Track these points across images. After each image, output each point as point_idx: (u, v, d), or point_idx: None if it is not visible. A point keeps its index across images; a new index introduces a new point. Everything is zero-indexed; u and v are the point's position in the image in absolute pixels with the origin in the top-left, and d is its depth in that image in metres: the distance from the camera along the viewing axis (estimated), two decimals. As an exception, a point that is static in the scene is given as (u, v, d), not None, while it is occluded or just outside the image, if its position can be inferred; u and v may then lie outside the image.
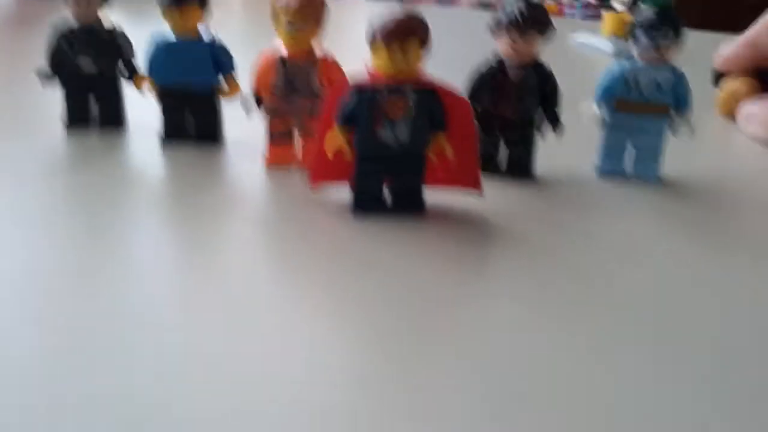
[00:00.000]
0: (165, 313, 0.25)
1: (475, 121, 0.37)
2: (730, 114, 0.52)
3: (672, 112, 0.37)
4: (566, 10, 1.36)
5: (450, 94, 0.31)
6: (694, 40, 0.88)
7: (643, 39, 0.35)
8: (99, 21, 0.40)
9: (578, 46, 0.75)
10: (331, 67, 0.36)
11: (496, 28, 0.35)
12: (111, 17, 0.41)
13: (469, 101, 0.34)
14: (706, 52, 0.61)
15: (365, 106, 0.31)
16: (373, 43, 0.30)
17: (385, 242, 0.30)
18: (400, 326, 0.24)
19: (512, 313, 0.25)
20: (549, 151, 0.39)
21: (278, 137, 0.37)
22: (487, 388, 0.21)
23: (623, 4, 1.42)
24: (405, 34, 0.30)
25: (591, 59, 0.69)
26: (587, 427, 0.20)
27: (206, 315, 0.24)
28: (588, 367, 0.22)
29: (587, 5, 1.40)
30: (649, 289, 0.28)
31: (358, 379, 0.21)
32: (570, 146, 0.40)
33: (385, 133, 0.31)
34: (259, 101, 0.37)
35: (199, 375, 0.21)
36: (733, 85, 0.53)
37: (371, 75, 0.31)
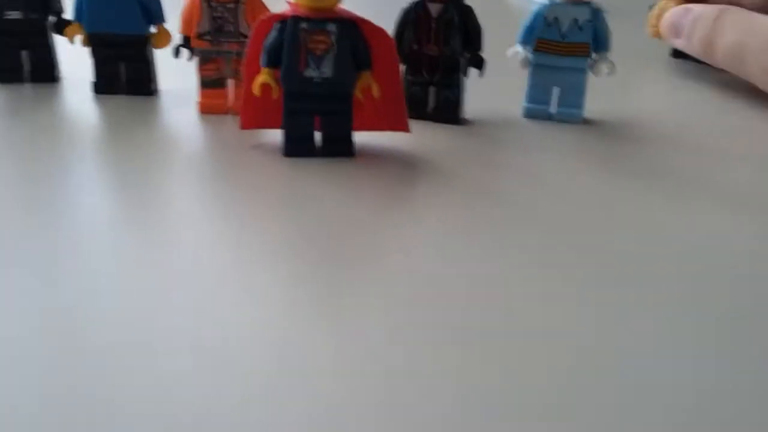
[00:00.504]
0: (103, 256, 0.25)
1: (403, 64, 0.38)
2: (659, 34, 0.51)
3: (591, 50, 0.38)
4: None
5: (372, 27, 0.32)
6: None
7: (561, -23, 0.36)
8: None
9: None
10: (257, 6, 0.36)
11: (416, -38, 0.36)
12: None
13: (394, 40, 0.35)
14: None
15: (288, 41, 0.31)
16: (292, -23, 0.31)
17: (315, 181, 0.31)
18: (327, 260, 0.25)
19: (440, 242, 0.27)
20: (478, 95, 0.40)
21: (210, 83, 0.38)
22: (414, 317, 0.22)
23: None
24: (325, -32, 0.30)
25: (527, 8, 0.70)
26: (512, 348, 0.21)
27: (143, 257, 0.25)
28: (511, 288, 0.24)
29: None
30: (565, 215, 0.29)
31: (289, 309, 0.22)
32: (499, 89, 0.41)
33: (309, 70, 0.32)
34: (188, 45, 0.37)
35: (136, 312, 0.22)
36: (663, 4, 0.51)
37: (293, 9, 0.31)
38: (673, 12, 0.48)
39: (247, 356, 0.19)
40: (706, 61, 0.46)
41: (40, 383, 0.18)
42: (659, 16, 0.50)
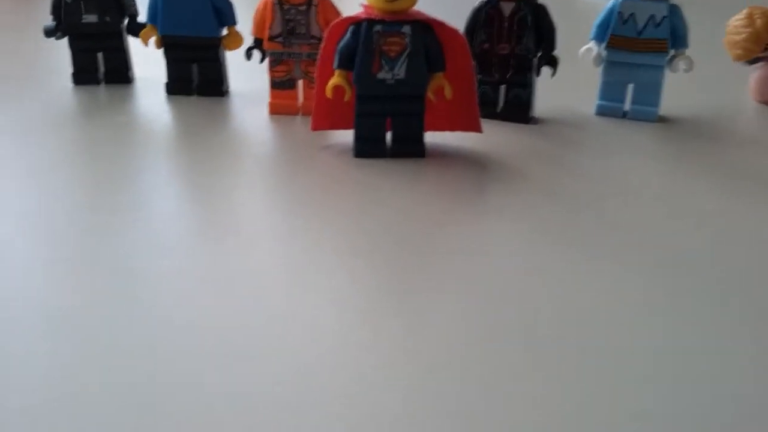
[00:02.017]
0: (177, 257, 0.26)
1: (474, 61, 0.38)
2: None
3: (669, 47, 0.37)
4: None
5: (446, 29, 0.32)
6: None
7: (638, -28, 0.35)
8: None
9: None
10: (329, 8, 0.36)
11: (489, -37, 0.35)
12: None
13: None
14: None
15: (362, 44, 0.31)
16: (368, -20, 0.31)
17: (386, 182, 0.31)
18: (400, 260, 0.25)
19: (512, 244, 0.26)
20: (550, 93, 0.39)
21: (280, 84, 0.38)
22: (487, 315, 0.22)
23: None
24: (399, -29, 0.30)
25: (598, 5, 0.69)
26: (583, 345, 0.21)
27: (217, 258, 0.25)
28: (582, 290, 0.23)
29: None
30: (638, 217, 0.28)
31: (364, 309, 0.22)
32: (571, 87, 0.40)
33: (383, 72, 0.32)
34: (260, 47, 0.38)
35: (210, 299, 0.22)
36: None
37: (367, 12, 0.31)
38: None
39: (328, 356, 0.19)
40: None
41: (127, 382, 0.18)
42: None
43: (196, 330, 0.21)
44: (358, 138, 0.33)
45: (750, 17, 0.40)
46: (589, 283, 0.24)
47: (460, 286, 0.23)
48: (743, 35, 0.40)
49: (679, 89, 0.40)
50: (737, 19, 0.41)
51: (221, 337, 0.20)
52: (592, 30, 0.38)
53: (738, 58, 0.41)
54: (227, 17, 0.40)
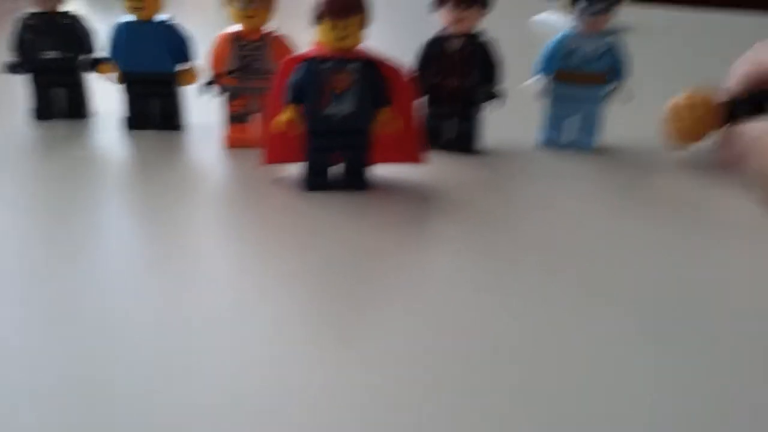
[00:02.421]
0: (132, 285, 0.26)
1: (424, 95, 0.39)
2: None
3: (609, 80, 0.39)
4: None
5: (391, 67, 0.33)
6: (683, 15, 0.91)
7: (579, 9, 0.37)
8: (62, 11, 0.42)
9: (538, 24, 0.78)
10: (283, 45, 0.38)
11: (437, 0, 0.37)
12: (73, 6, 0.43)
13: (415, 73, 0.37)
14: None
15: (311, 80, 0.32)
16: (316, 20, 0.32)
17: (334, 214, 0.32)
18: (345, 290, 0.26)
19: (452, 274, 0.27)
20: (497, 124, 0.41)
21: (237, 118, 0.39)
22: (430, 344, 0.23)
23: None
24: (347, 12, 0.31)
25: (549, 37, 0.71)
26: (525, 376, 0.22)
27: (170, 284, 0.26)
28: (522, 317, 0.24)
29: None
30: (576, 245, 0.30)
31: (309, 339, 0.23)
32: (517, 119, 0.42)
33: (331, 107, 0.33)
34: (216, 82, 0.39)
35: (157, 337, 0.23)
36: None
37: (316, 50, 0.32)
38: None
39: (270, 388, 0.20)
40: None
41: (61, 423, 0.19)
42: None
43: (145, 363, 0.21)
44: (307, 171, 0.34)
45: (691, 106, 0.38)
46: (530, 310, 0.25)
47: (400, 316, 0.24)
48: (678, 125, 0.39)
49: (620, 119, 0.42)
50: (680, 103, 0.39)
51: (169, 371, 0.21)
52: (538, 63, 0.39)
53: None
54: (184, 53, 0.41)
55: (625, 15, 0.79)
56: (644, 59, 0.64)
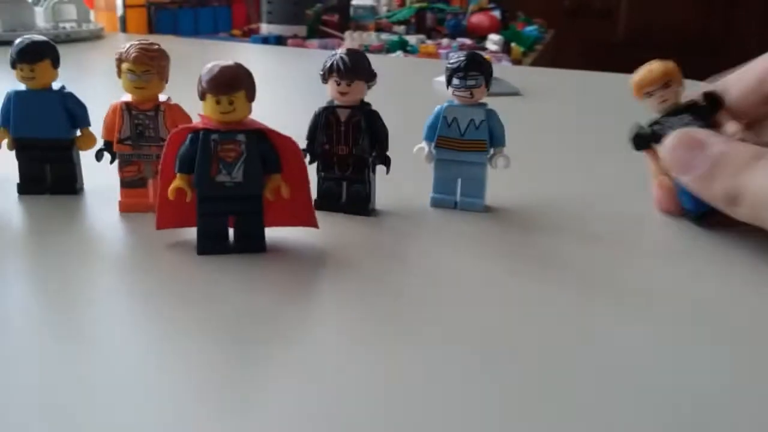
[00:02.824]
0: (24, 351, 0.27)
1: (317, 161, 0.41)
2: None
3: (488, 146, 0.41)
4: (442, 52, 1.44)
5: (279, 136, 0.35)
6: (571, 78, 0.97)
7: (456, 81, 0.40)
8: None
9: (439, 85, 0.82)
10: (177, 113, 0.39)
11: (324, 74, 0.39)
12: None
13: (305, 140, 0.39)
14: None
15: (200, 151, 0.34)
16: (202, 95, 0.33)
17: (227, 277, 0.33)
18: (236, 353, 0.27)
19: (338, 336, 0.29)
20: (390, 187, 0.43)
21: (131, 183, 0.40)
22: (315, 406, 0.24)
23: (496, 44, 1.53)
24: (231, 89, 0.33)
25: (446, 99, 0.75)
26: None
27: (63, 347, 0.27)
28: (402, 377, 0.26)
29: (462, 46, 1.49)
30: (460, 307, 0.32)
31: (200, 398, 0.24)
32: (410, 180, 0.44)
33: (221, 175, 0.34)
34: (110, 149, 0.39)
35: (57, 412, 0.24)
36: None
37: (204, 122, 0.34)
38: (678, 145, 0.39)
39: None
40: (724, 212, 0.37)
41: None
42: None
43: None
44: (200, 236, 0.35)
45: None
46: (413, 370, 0.26)
47: (284, 378, 0.26)
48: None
49: (506, 182, 0.45)
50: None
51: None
52: (423, 131, 0.42)
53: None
54: (80, 119, 0.41)
55: (513, 79, 0.84)
56: (532, 121, 0.68)
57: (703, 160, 0.37)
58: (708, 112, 0.40)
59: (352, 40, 1.49)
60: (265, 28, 1.58)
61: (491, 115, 0.41)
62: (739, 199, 0.35)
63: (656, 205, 0.43)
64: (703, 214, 0.40)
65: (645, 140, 0.41)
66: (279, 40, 1.48)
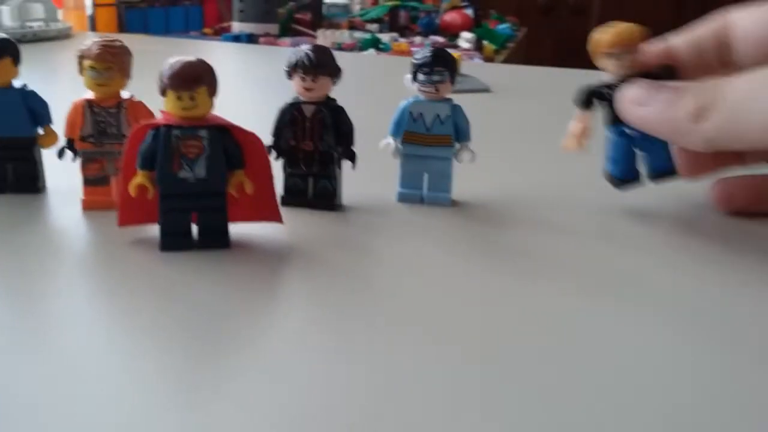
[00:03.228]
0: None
1: (282, 157, 0.41)
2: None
3: (453, 141, 0.42)
4: (415, 50, 1.44)
5: (242, 132, 0.35)
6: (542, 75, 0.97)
7: (421, 77, 0.40)
8: None
9: (409, 82, 0.82)
10: (139, 109, 0.39)
11: (289, 69, 0.39)
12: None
13: (272, 136, 0.38)
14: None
15: (161, 147, 0.33)
16: (163, 92, 0.33)
17: (190, 274, 0.33)
18: (199, 350, 0.27)
19: (303, 331, 0.29)
20: (357, 182, 0.43)
21: (93, 181, 0.39)
22: (279, 403, 0.24)
23: (468, 41, 1.53)
24: (192, 85, 0.33)
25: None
26: None
27: (24, 345, 0.27)
28: (371, 382, 0.26)
29: (435, 44, 1.50)
30: (426, 300, 0.32)
31: (164, 396, 0.24)
32: (377, 175, 0.44)
33: (183, 171, 0.34)
34: (72, 147, 0.39)
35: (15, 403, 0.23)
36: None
37: (165, 118, 0.34)
38: (638, 86, 0.38)
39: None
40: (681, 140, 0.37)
41: None
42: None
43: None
44: (163, 233, 0.35)
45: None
46: (376, 366, 0.26)
47: (253, 374, 0.26)
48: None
49: (472, 177, 0.45)
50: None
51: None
52: (389, 127, 0.42)
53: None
54: (42, 117, 0.41)
55: (484, 76, 0.85)
56: (501, 117, 0.69)
57: (665, 92, 0.37)
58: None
59: (324, 38, 1.49)
60: (237, 27, 1.56)
61: (457, 110, 0.41)
62: (708, 112, 0.34)
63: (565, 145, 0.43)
64: (627, 180, 0.42)
65: (592, 96, 0.41)
66: (251, 39, 1.47)
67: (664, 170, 0.41)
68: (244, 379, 0.25)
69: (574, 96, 0.41)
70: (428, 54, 0.40)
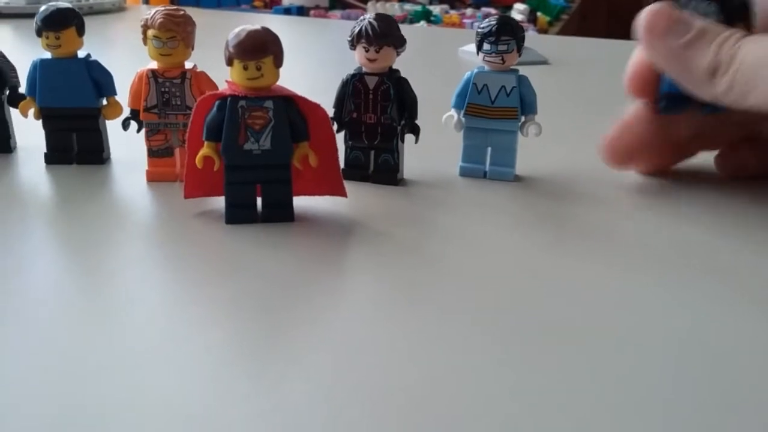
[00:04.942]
0: (56, 318, 0.27)
1: (343, 129, 0.40)
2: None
3: (519, 114, 0.41)
4: (466, 22, 1.41)
5: (307, 102, 0.34)
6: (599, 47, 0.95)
7: (487, 47, 0.39)
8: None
9: (465, 55, 0.80)
10: (203, 80, 0.38)
11: (352, 40, 0.38)
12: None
13: (332, 109, 0.38)
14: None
15: (227, 118, 0.33)
16: (229, 61, 0.33)
17: (256, 247, 0.33)
18: (266, 323, 0.27)
19: (369, 305, 0.28)
20: (418, 156, 0.42)
21: (158, 153, 0.40)
22: (348, 378, 0.24)
23: (521, 13, 1.50)
24: (259, 54, 0.32)
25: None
26: (441, 409, 0.23)
27: (92, 316, 0.27)
28: (435, 348, 0.25)
29: (487, 16, 1.47)
30: (489, 272, 0.31)
31: (231, 367, 0.24)
32: (438, 149, 0.43)
33: (249, 143, 0.34)
34: (136, 118, 0.39)
35: (86, 371, 0.23)
36: None
37: (231, 88, 0.33)
38: (660, 10, 0.37)
39: (199, 417, 0.21)
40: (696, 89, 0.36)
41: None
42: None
43: (77, 396, 0.22)
44: (229, 205, 0.35)
45: None
46: (443, 340, 0.26)
47: (320, 346, 0.25)
48: None
49: (536, 150, 0.44)
50: None
51: (101, 402, 0.21)
52: (452, 99, 0.41)
53: None
54: (106, 88, 0.41)
55: (540, 48, 0.83)
56: (561, 90, 0.67)
57: (687, 32, 0.36)
58: (733, 14, 0.37)
59: (374, 10, 1.47)
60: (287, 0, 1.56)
61: (523, 81, 0.40)
62: (723, 70, 0.35)
63: (628, 85, 0.41)
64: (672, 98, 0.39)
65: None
66: (301, 11, 1.47)
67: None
68: (311, 352, 0.25)
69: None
70: (494, 23, 0.39)
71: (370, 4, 1.56)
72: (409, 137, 0.41)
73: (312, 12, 1.47)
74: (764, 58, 0.34)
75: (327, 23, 1.24)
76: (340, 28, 1.09)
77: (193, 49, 0.38)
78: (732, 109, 0.35)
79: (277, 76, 0.34)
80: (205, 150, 0.34)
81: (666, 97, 0.39)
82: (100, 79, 0.41)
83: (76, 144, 0.42)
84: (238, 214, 0.35)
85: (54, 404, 0.22)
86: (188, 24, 0.37)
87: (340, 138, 0.39)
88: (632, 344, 0.26)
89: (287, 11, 1.45)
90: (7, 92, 0.43)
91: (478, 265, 0.32)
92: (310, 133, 0.34)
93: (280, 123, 0.34)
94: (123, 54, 0.80)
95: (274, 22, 1.22)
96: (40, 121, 0.41)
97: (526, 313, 0.28)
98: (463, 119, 0.41)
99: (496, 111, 0.41)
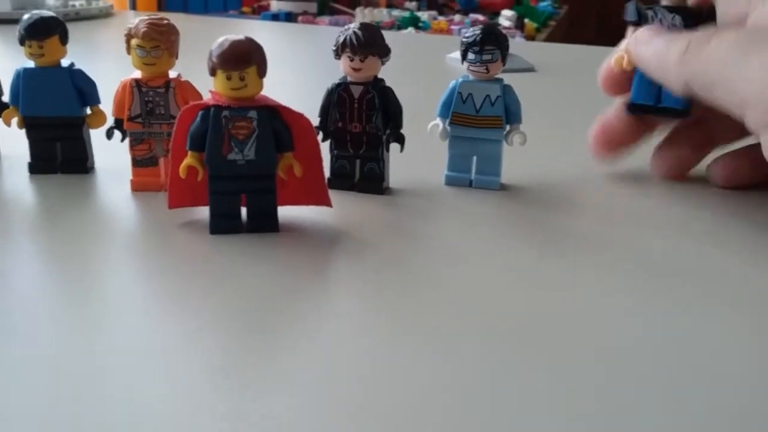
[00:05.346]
0: (38, 328, 0.27)
1: (329, 139, 0.40)
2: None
3: (504, 123, 0.41)
4: (454, 28, 1.42)
5: (292, 113, 0.34)
6: (586, 54, 0.95)
7: (471, 56, 0.39)
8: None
9: (452, 62, 0.81)
10: (187, 90, 0.38)
11: (337, 50, 0.38)
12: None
13: (318, 118, 0.38)
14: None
15: (211, 128, 0.33)
16: (212, 71, 0.33)
17: (240, 257, 0.33)
18: (249, 333, 0.27)
19: (354, 315, 0.28)
20: (404, 165, 0.42)
21: (142, 162, 0.39)
22: (328, 389, 0.24)
23: (509, 20, 1.51)
24: (242, 64, 0.32)
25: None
26: (423, 424, 0.23)
27: (76, 327, 0.27)
28: (423, 367, 0.25)
29: (475, 22, 1.48)
30: (476, 285, 0.31)
31: (214, 379, 0.24)
32: (423, 158, 0.43)
33: (233, 153, 0.34)
34: (120, 127, 0.39)
35: (65, 382, 0.23)
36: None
37: (215, 98, 0.33)
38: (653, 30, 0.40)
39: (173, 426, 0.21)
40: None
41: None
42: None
43: (53, 406, 0.21)
44: (213, 215, 0.35)
45: None
46: (431, 350, 0.26)
47: (300, 358, 0.25)
48: None
49: (522, 159, 0.44)
50: None
51: (77, 413, 0.21)
52: (438, 108, 0.41)
53: None
54: (90, 97, 0.41)
55: (527, 55, 0.83)
56: (547, 97, 0.67)
57: (667, 34, 0.38)
58: (696, 23, 0.38)
59: (363, 16, 1.47)
60: (275, 5, 1.56)
61: (507, 90, 0.40)
62: (693, 56, 0.36)
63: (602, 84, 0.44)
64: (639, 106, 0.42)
65: (637, 16, 0.41)
66: (289, 17, 1.47)
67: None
68: (293, 362, 0.25)
69: (630, 6, 0.41)
70: (478, 32, 0.39)
71: (358, 10, 1.56)
72: (394, 146, 0.41)
73: (300, 18, 1.47)
74: (735, 52, 0.34)
75: (315, 29, 1.24)
76: (328, 34, 1.09)
77: (177, 58, 0.38)
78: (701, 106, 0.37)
79: (260, 86, 0.34)
80: (189, 160, 0.34)
81: (633, 107, 0.42)
82: (84, 88, 0.41)
83: (60, 153, 0.41)
84: (222, 224, 0.35)
85: (34, 415, 0.21)
86: (172, 33, 0.37)
87: (325, 147, 0.39)
88: (620, 354, 0.26)
89: (275, 17, 1.45)
90: (-10, 101, 0.42)
91: (463, 274, 0.32)
92: (294, 143, 0.34)
93: (264, 133, 0.33)
94: (109, 61, 0.79)
95: (261, 28, 1.22)
96: (24, 130, 0.41)
97: (511, 323, 0.28)
98: (448, 128, 0.41)
99: (481, 120, 0.41)
